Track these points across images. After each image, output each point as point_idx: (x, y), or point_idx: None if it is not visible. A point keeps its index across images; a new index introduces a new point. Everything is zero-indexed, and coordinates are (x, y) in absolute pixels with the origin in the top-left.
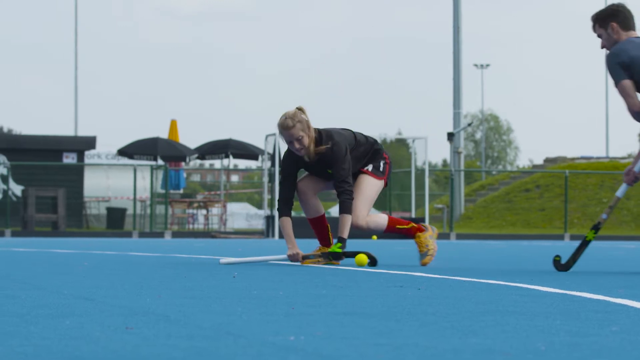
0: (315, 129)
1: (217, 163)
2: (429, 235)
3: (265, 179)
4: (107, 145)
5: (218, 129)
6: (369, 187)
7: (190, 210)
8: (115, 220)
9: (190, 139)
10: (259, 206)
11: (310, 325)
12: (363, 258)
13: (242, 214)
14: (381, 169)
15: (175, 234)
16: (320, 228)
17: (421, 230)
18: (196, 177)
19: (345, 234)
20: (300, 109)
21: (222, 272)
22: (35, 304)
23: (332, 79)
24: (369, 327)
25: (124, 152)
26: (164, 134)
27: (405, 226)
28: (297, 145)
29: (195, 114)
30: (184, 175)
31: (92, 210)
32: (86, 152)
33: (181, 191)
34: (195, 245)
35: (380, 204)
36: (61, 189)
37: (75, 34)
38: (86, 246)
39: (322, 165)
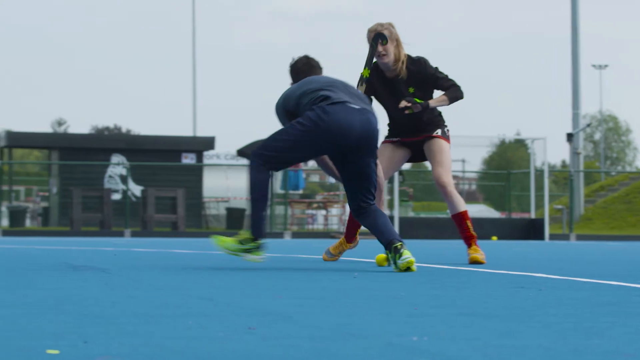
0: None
1: None
2: (479, 254)
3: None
4: (226, 145)
5: None
6: (446, 153)
7: (310, 211)
8: (235, 221)
9: None
10: None
11: (432, 326)
12: (381, 257)
13: None
14: (446, 133)
15: (294, 234)
16: (356, 225)
17: (475, 243)
18: (315, 178)
19: (433, 103)
20: (391, 24)
21: (342, 272)
22: (155, 304)
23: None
24: (491, 328)
25: (243, 152)
26: None
27: (471, 230)
28: (380, 49)
29: None
30: (303, 175)
31: (211, 211)
32: (205, 153)
33: (300, 192)
34: (314, 246)
35: (499, 204)
36: (180, 189)
37: (193, 36)
38: (206, 246)
39: (404, 82)
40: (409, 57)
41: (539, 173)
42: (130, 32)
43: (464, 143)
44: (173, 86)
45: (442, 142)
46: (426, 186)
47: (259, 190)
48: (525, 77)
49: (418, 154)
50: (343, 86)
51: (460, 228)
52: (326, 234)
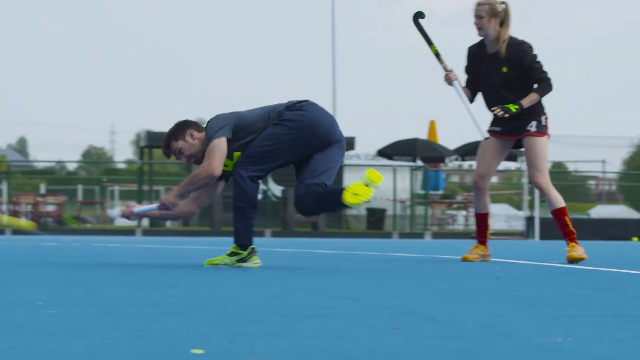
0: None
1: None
2: (576, 251)
3: (525, 179)
4: (366, 145)
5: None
6: (540, 151)
7: (450, 211)
8: (376, 221)
9: (449, 139)
10: (519, 207)
11: (577, 327)
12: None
13: (501, 215)
14: (543, 123)
15: (435, 235)
16: (483, 225)
17: (574, 239)
18: (455, 178)
19: (526, 103)
20: (502, 2)
21: (485, 273)
22: (299, 303)
23: (575, 73)
24: (638, 329)
25: (383, 152)
26: (423, 135)
27: (570, 226)
28: (476, 22)
29: (454, 115)
30: (444, 176)
31: (351, 211)
32: (345, 153)
33: (441, 192)
34: (455, 246)
35: (638, 203)
36: None
37: (333, 36)
38: (347, 247)
39: (500, 61)
40: (513, 38)
41: None
42: (271, 32)
43: (604, 144)
44: (313, 86)
45: (535, 140)
46: (566, 186)
47: (246, 200)
48: None
49: (519, 142)
50: None
51: (560, 224)
52: (467, 235)
